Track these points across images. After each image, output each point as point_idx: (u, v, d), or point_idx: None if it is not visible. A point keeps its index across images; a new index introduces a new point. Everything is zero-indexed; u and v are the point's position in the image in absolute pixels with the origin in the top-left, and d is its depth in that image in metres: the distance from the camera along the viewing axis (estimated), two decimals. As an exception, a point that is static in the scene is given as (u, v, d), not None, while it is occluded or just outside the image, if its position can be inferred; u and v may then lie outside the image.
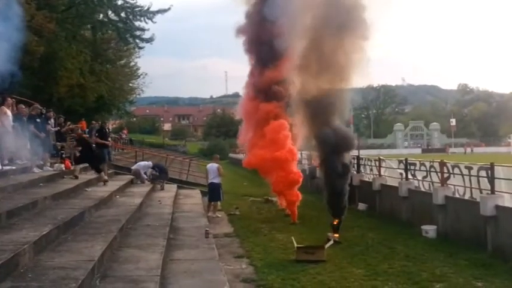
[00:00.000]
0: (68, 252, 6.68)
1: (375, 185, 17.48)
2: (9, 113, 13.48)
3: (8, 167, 12.60)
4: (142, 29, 34.53)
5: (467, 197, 12.75)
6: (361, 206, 18.01)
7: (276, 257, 11.04)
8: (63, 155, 16.63)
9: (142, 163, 20.83)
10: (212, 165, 17.12)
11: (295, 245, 10.99)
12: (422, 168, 15.27)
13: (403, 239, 12.93)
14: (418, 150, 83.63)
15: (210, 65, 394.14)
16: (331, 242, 11.97)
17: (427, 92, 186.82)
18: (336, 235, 12.67)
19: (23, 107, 14.63)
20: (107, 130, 18.78)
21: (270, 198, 19.64)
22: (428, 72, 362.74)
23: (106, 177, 15.38)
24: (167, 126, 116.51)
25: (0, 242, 6.17)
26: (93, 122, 20.93)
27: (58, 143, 17.04)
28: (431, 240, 12.74)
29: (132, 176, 19.27)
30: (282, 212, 17.15)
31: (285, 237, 12.88)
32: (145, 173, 19.42)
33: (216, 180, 16.64)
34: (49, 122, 16.64)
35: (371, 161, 19.14)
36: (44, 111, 16.69)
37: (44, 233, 6.88)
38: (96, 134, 19.68)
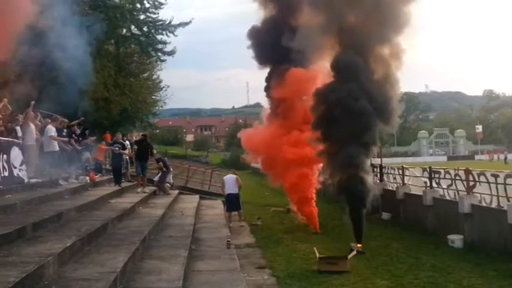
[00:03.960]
0: (91, 264, 6.74)
1: (398, 193, 17.28)
2: (32, 126, 13.78)
3: (34, 180, 12.86)
4: (164, 42, 34.88)
5: (494, 205, 12.51)
6: (385, 215, 17.80)
7: (298, 267, 10.94)
8: (88, 168, 16.89)
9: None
10: (230, 176, 17.16)
11: (318, 255, 10.91)
12: (447, 176, 15.07)
13: (428, 248, 12.74)
14: (444, 158, 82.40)
15: (231, 76, 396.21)
16: (354, 252, 11.84)
17: (452, 99, 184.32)
18: (359, 245, 12.53)
19: (49, 121, 14.93)
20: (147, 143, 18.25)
21: (291, 208, 19.56)
22: (452, 79, 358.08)
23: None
24: (190, 137, 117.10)
25: (26, 254, 6.27)
26: (118, 134, 20.99)
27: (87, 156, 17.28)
28: (457, 250, 12.53)
29: (155, 188, 19.42)
30: (303, 222, 17.04)
31: (307, 247, 12.79)
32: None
33: (234, 191, 16.65)
34: (74, 135, 16.93)
35: (394, 169, 18.95)
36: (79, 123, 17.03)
37: (68, 244, 6.96)
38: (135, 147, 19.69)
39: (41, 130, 14.46)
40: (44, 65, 11.19)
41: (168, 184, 19.41)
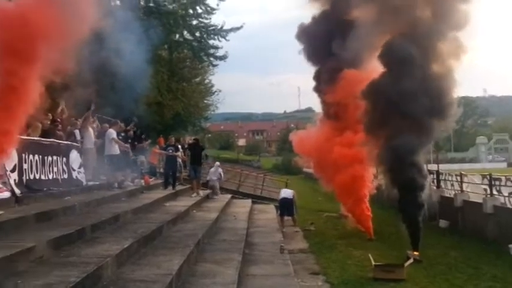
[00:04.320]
0: (147, 266, 6.82)
1: (456, 201, 16.67)
2: (91, 130, 14.21)
3: (91, 183, 13.24)
4: (216, 47, 35.23)
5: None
6: (442, 223, 17.20)
7: (353, 274, 10.71)
8: (143, 171, 17.23)
9: (212, 170, 21.37)
10: (287, 190, 17.15)
11: (373, 262, 10.64)
12: (509, 183, 14.44)
13: (488, 258, 12.21)
14: (503, 165, 79.02)
15: (283, 80, 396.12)
16: (411, 260, 11.46)
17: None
18: (416, 253, 12.14)
19: (107, 125, 15.35)
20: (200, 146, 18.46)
21: (345, 213, 19.23)
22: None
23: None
24: (241, 142, 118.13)
25: (85, 254, 6.41)
26: (171, 137, 21.27)
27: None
28: (520, 260, 11.94)
29: (208, 191, 19.60)
30: (357, 228, 16.70)
31: (362, 254, 12.51)
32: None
33: (289, 196, 16.56)
34: (129, 139, 17.33)
35: (452, 176, 18.34)
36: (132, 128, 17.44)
37: (125, 246, 7.08)
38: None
39: (99, 134, 14.90)
40: (102, 70, 11.48)
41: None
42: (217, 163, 23.47)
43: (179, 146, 20.82)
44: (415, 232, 12.56)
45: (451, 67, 13.37)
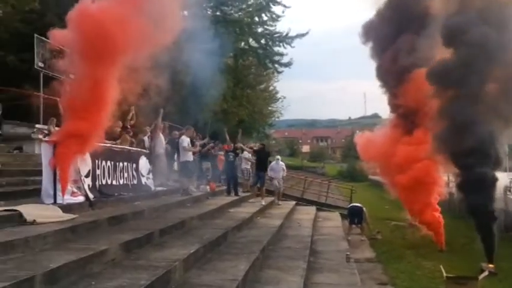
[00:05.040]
0: (213, 271, 6.91)
1: (535, 211, 15.76)
2: (162, 137, 14.61)
3: (160, 188, 13.61)
4: (281, 54, 35.30)
5: None
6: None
7: (423, 286, 10.35)
8: (208, 177, 17.49)
9: (273, 164, 20.09)
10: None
11: (445, 274, 10.21)
12: None
13: None
14: None
15: (348, 86, 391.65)
16: (486, 272, 10.91)
17: None
18: (492, 265, 11.56)
19: (176, 133, 15.72)
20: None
21: (414, 222, 18.59)
22: None
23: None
24: (305, 149, 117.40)
25: (154, 258, 6.59)
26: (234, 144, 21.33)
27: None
28: None
29: (272, 198, 19.58)
30: (428, 238, 16.04)
31: (433, 265, 12.00)
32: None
33: (358, 204, 16.25)
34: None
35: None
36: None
37: (192, 251, 7.21)
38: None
39: (169, 141, 15.30)
40: (173, 78, 11.81)
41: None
42: (278, 156, 21.93)
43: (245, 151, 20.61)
44: (490, 243, 11.97)
45: None
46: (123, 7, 8.22)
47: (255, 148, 19.62)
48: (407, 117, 15.91)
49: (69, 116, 8.79)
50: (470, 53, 12.16)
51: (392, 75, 16.26)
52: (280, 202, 18.92)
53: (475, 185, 12.11)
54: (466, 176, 12.50)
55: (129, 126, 13.67)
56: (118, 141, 12.20)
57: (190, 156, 14.44)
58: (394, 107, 16.94)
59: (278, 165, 20.09)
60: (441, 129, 12.95)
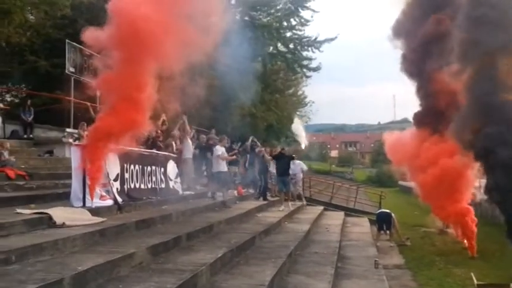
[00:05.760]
0: (240, 276, 6.90)
1: None
2: (190, 141, 14.71)
3: (187, 192, 13.69)
4: (310, 59, 35.21)
5: None
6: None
7: (453, 293, 10.14)
8: (236, 182, 17.52)
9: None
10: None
11: (476, 282, 9.99)
12: None
13: None
14: None
15: (377, 90, 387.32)
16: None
17: None
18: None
19: (204, 137, 15.80)
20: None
21: (445, 229, 18.21)
22: None
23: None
24: (334, 153, 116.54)
25: (181, 262, 6.62)
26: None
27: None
28: None
29: (299, 203, 19.48)
30: (459, 245, 15.70)
31: (463, 272, 11.72)
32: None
33: (386, 210, 16.04)
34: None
35: None
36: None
37: (219, 255, 7.22)
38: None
39: (197, 145, 15.42)
40: (205, 81, 11.87)
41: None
42: (297, 161, 20.54)
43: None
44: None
45: None
46: (164, 7, 8.22)
47: (273, 154, 18.97)
48: (436, 121, 15.49)
49: (103, 113, 8.87)
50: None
51: (424, 77, 15.67)
52: (291, 204, 17.47)
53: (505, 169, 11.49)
54: (492, 160, 11.84)
55: (159, 131, 13.81)
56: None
57: (224, 167, 14.12)
58: (424, 110, 16.49)
59: (297, 167, 19.74)
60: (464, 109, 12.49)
